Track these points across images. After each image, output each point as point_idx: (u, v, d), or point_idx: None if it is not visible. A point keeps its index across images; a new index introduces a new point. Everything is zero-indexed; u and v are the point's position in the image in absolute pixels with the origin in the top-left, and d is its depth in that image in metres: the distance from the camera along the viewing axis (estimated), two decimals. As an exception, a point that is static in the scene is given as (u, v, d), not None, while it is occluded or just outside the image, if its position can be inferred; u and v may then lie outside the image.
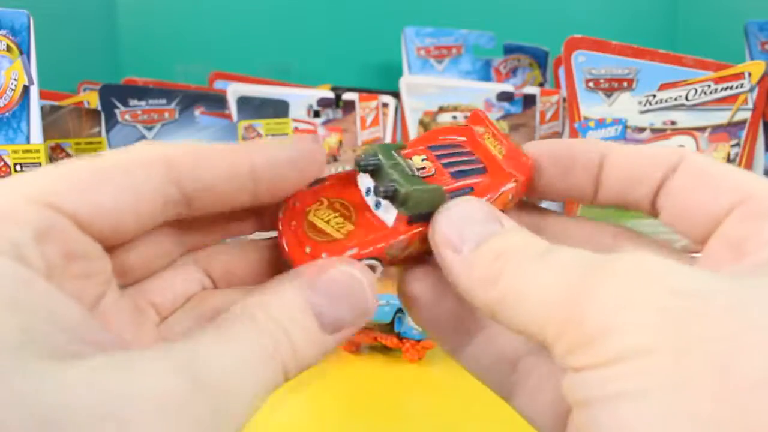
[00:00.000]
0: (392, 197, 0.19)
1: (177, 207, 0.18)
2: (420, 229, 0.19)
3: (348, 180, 0.21)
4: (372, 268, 0.19)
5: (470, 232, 0.18)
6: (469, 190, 0.20)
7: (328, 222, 0.20)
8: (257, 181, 0.18)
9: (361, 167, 0.20)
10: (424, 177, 0.20)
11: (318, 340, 0.17)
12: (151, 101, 0.55)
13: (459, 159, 0.21)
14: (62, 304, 0.14)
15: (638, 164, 0.20)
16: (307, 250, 0.19)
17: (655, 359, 0.13)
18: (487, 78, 0.80)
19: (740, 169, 0.18)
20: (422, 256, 0.20)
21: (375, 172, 0.20)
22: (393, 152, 0.20)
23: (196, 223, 0.20)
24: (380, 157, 0.20)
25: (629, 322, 0.14)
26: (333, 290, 0.17)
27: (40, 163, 0.45)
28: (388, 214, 0.19)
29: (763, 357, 0.13)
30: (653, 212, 0.20)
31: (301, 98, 0.62)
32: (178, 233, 0.20)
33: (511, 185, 0.20)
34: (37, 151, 0.44)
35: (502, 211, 0.19)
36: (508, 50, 0.81)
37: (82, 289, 0.16)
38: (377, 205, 0.20)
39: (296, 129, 0.61)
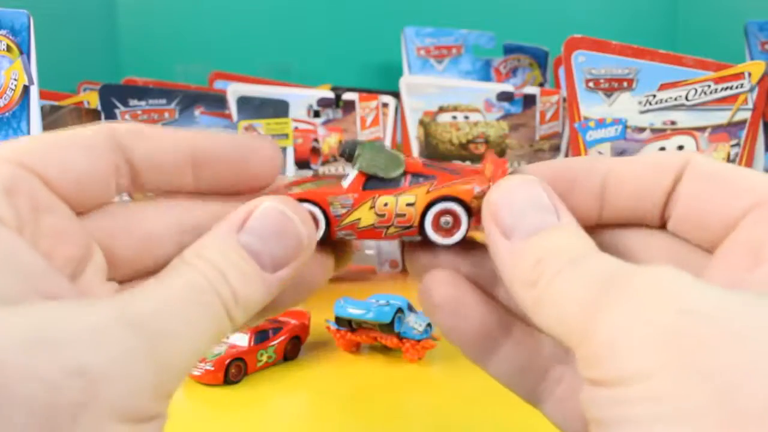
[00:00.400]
0: (349, 154, 0.20)
1: (127, 176, 0.19)
2: (371, 194, 0.20)
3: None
4: (315, 220, 0.19)
5: (524, 219, 0.17)
6: (432, 178, 0.20)
7: (300, 186, 0.21)
8: (198, 163, 0.19)
9: (342, 145, 0.21)
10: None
11: (260, 280, 0.17)
12: (151, 101, 0.55)
13: (442, 164, 0.21)
14: (23, 253, 0.15)
15: (644, 176, 0.19)
16: None
17: (658, 384, 0.13)
18: (487, 78, 0.80)
19: (750, 169, 0.18)
20: (376, 235, 0.20)
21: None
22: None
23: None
24: (361, 141, 0.21)
25: (635, 342, 0.14)
26: (262, 228, 0.18)
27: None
28: (348, 180, 0.20)
29: None
30: (661, 223, 0.19)
31: (301, 98, 0.62)
32: (179, 237, 0.20)
33: (475, 186, 0.20)
34: (37, 151, 0.44)
35: None
36: (508, 50, 0.81)
37: (54, 248, 0.17)
38: (345, 178, 0.21)
39: (296, 129, 0.61)
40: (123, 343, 0.14)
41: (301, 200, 0.20)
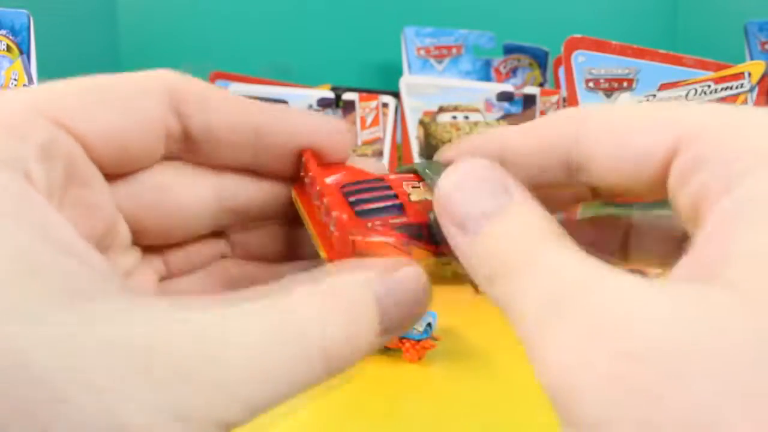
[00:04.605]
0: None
1: (177, 143, 0.17)
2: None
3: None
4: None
5: (475, 208, 0.16)
6: None
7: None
8: (263, 143, 0.18)
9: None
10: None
11: (373, 341, 0.16)
12: (151, 101, 0.55)
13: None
14: (61, 228, 0.14)
15: (537, 150, 0.17)
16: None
17: None
18: (487, 78, 0.80)
19: (671, 103, 0.16)
20: None
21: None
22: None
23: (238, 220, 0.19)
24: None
25: (584, 387, 0.12)
26: (401, 295, 0.16)
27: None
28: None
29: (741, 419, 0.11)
30: (578, 185, 0.18)
31: (301, 98, 0.62)
32: (214, 214, 0.19)
33: None
34: (37, 151, 0.44)
35: None
36: (508, 50, 0.81)
37: (80, 220, 0.15)
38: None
39: (296, 129, 0.61)
40: (188, 365, 0.12)
41: None
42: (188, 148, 0.17)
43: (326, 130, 0.18)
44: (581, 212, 0.21)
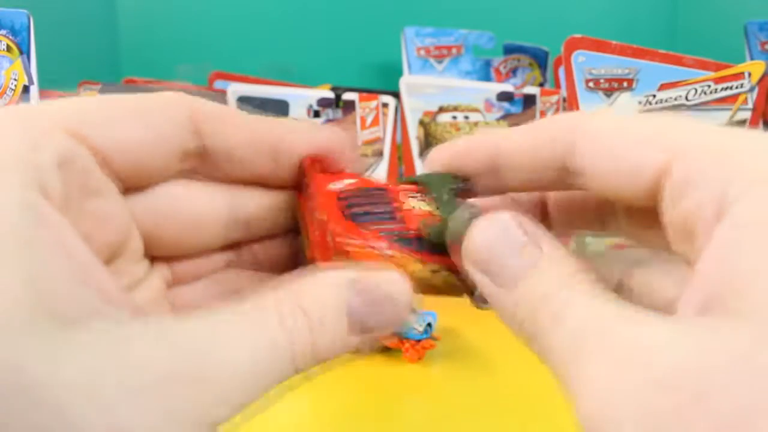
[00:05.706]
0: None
1: (193, 159, 0.18)
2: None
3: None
4: None
5: (508, 264, 0.16)
6: None
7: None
8: (278, 157, 0.18)
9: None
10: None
11: (342, 341, 0.16)
12: (151, 101, 0.55)
13: None
14: (74, 248, 0.14)
15: (534, 149, 0.18)
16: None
17: None
18: (487, 78, 0.80)
19: (662, 117, 0.16)
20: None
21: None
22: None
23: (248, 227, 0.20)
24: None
25: (622, 419, 0.13)
26: (374, 296, 0.16)
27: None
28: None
29: None
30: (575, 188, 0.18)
31: (301, 98, 0.62)
32: (226, 227, 0.19)
33: None
34: (37, 151, 0.44)
35: None
36: (508, 50, 0.81)
37: (94, 233, 0.16)
38: None
39: (296, 129, 0.61)
40: (172, 393, 0.13)
41: None
42: (204, 164, 0.18)
43: (337, 140, 0.19)
44: (572, 245, 0.21)
